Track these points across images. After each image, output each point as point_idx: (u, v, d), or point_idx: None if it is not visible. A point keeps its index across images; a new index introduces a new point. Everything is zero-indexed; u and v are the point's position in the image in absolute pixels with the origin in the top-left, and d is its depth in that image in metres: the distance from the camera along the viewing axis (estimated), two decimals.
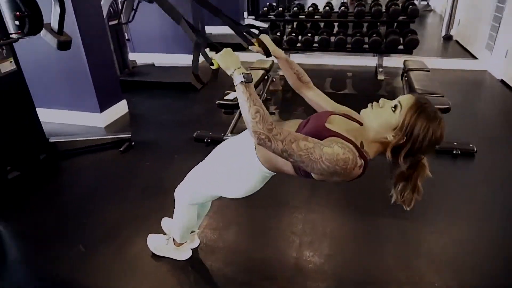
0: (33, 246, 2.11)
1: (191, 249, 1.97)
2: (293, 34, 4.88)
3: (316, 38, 4.85)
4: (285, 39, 4.94)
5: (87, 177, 2.77)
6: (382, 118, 1.13)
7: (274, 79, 4.15)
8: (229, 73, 1.18)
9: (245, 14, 8.37)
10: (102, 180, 2.71)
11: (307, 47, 4.86)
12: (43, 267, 1.94)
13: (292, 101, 4.20)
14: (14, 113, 2.47)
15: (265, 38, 1.39)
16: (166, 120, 3.72)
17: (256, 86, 3.38)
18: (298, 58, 5.35)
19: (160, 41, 5.58)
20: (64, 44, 2.58)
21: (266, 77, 3.70)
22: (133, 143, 3.12)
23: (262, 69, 3.66)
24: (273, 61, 4.00)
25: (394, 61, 4.93)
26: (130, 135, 3.13)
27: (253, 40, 1.37)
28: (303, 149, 1.07)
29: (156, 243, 1.94)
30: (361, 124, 1.24)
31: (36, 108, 3.01)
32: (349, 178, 1.13)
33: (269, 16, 5.19)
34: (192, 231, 1.94)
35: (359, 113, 1.23)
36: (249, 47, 1.40)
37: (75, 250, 2.01)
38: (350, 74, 5.02)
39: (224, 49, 1.23)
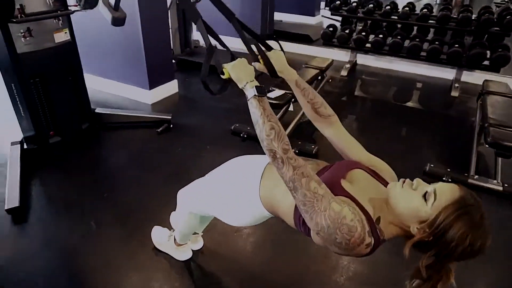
0: (53, 210, 2.22)
1: (194, 250, 1.91)
2: (363, 34, 4.50)
3: (389, 40, 4.43)
4: (353, 37, 4.58)
5: (120, 153, 2.84)
6: (410, 204, 0.92)
7: (330, 80, 3.87)
8: (240, 86, 1.06)
9: (322, 4, 7.96)
10: (133, 158, 2.77)
11: (376, 49, 4.45)
12: (54, 234, 2.02)
13: (346, 106, 3.90)
14: (63, 82, 2.58)
15: (275, 56, 1.19)
16: (211, 106, 3.68)
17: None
18: (366, 59, 4.97)
19: (225, 23, 5.43)
20: (118, 20, 2.63)
21: (319, 77, 3.45)
22: (171, 126, 3.13)
23: (317, 68, 3.42)
24: (332, 60, 3.73)
25: (477, 77, 4.31)
26: (170, 117, 3.14)
27: (259, 57, 1.20)
28: (311, 189, 0.91)
29: (158, 237, 1.90)
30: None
31: (90, 75, 3.12)
32: (351, 254, 0.93)
33: (340, 11, 4.83)
34: (195, 233, 1.87)
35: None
36: (252, 64, 1.20)
37: (87, 224, 2.07)
38: (420, 85, 4.52)
39: (238, 59, 1.10)
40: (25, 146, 2.58)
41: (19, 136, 2.62)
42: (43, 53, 2.38)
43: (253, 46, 1.20)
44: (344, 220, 0.88)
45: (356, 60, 4.95)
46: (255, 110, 1.00)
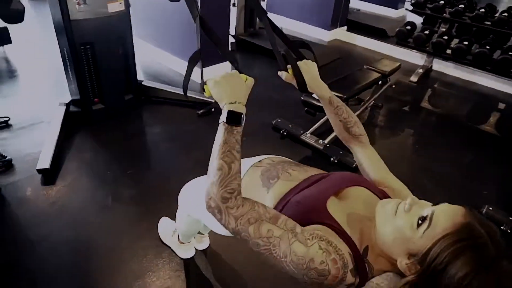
0: (79, 178, 2.27)
1: (198, 249, 1.83)
2: (445, 37, 3.95)
3: (475, 48, 3.85)
4: (433, 40, 4.05)
5: (157, 130, 2.84)
6: (399, 231, 0.72)
7: (393, 86, 3.48)
8: (221, 106, 0.88)
9: None
10: (167, 138, 2.75)
11: (457, 57, 3.90)
12: (72, 202, 2.08)
13: (406, 117, 3.49)
14: (113, 52, 2.60)
15: (306, 67, 1.03)
16: (259, 95, 3.47)
17: (361, 90, 2.85)
18: (443, 66, 4.41)
19: (297, 7, 5.26)
20: None
21: (380, 82, 3.10)
22: (213, 109, 3.05)
23: (379, 71, 3.07)
24: (399, 65, 3.33)
25: None
26: (213, 100, 3.05)
27: (288, 66, 1.03)
28: (263, 236, 0.74)
29: (164, 229, 1.86)
30: None
31: (147, 44, 3.06)
32: None
33: (424, 8, 4.29)
34: (200, 233, 1.79)
35: None
36: (278, 73, 1.05)
37: (105, 198, 2.10)
38: (503, 106, 3.89)
39: (225, 73, 0.90)
40: (70, 109, 2.68)
41: (68, 98, 2.73)
42: (95, 22, 2.39)
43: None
44: (311, 263, 0.70)
45: (431, 66, 4.41)
46: (217, 138, 0.83)
